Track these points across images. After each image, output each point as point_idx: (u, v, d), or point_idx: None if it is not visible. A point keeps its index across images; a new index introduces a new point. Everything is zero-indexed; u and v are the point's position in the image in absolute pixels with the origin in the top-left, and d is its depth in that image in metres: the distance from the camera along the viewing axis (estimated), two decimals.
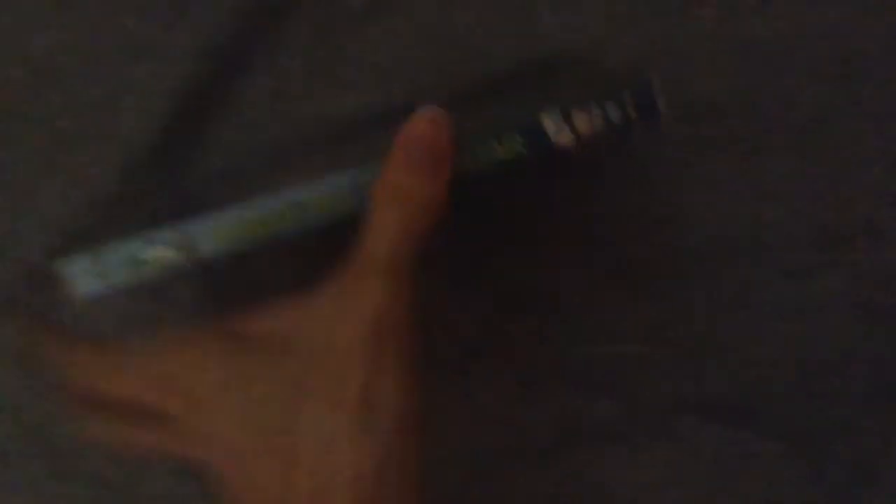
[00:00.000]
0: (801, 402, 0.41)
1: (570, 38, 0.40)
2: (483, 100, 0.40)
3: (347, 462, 0.24)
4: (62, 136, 0.40)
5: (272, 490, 0.25)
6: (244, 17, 0.39)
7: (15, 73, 0.40)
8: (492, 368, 0.41)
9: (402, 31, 0.40)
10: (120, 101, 0.40)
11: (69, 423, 0.38)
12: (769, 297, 0.41)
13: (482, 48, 0.40)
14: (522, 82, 0.40)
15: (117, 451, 0.39)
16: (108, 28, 0.40)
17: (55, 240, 0.40)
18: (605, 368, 0.41)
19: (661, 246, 0.41)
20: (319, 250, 0.30)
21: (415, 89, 0.40)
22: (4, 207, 0.40)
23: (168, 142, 0.40)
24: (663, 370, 0.41)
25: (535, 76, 0.40)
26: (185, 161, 0.40)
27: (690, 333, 0.41)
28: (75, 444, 0.41)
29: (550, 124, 0.30)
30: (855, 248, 0.40)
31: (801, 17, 0.41)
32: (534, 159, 0.30)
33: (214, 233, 0.31)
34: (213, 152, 0.40)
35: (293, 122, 0.40)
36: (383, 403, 0.25)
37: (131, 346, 0.31)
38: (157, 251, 0.30)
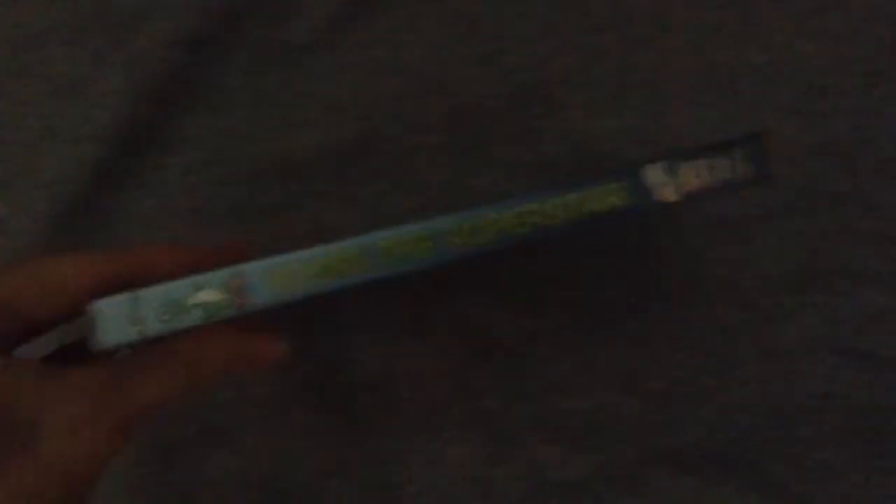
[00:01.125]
0: (778, 449, 0.39)
1: (535, 72, 0.38)
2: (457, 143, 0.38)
3: None
4: None
5: None
6: (183, 49, 0.37)
7: None
8: (460, 423, 0.39)
9: (353, 65, 0.38)
10: (46, 144, 0.37)
11: None
12: (745, 341, 0.39)
13: (439, 82, 0.38)
14: (486, 115, 0.38)
15: None
16: (33, 66, 0.37)
17: None
18: (577, 421, 0.39)
19: (635, 291, 0.39)
20: None
21: (368, 126, 0.38)
22: None
23: (98, 186, 0.37)
24: (636, 421, 0.39)
25: (501, 110, 0.38)
26: (117, 207, 0.38)
27: (665, 381, 0.39)
28: None
29: (655, 177, 0.28)
30: (831, 291, 0.39)
31: (779, 51, 0.39)
32: (632, 214, 0.27)
33: (273, 277, 0.27)
34: (151, 197, 0.38)
35: (238, 162, 0.37)
36: None
37: None
38: (205, 295, 0.27)
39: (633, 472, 0.39)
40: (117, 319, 0.26)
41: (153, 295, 0.26)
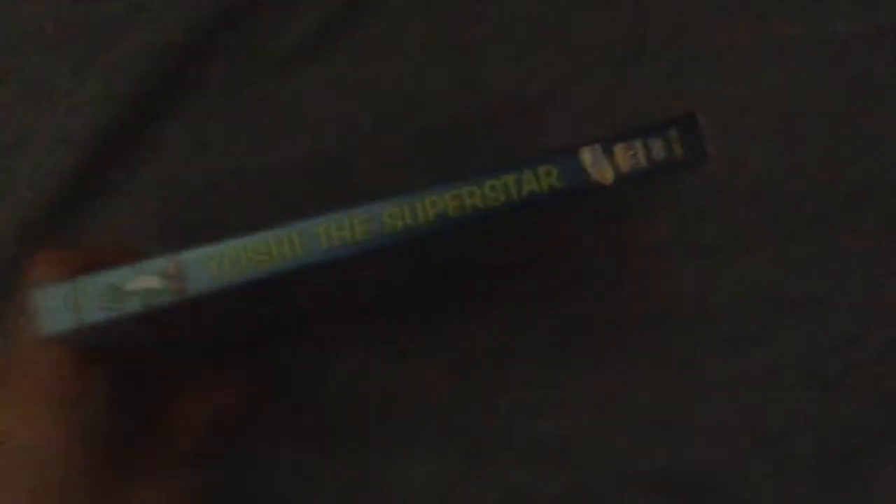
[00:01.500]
0: (749, 473, 0.39)
1: (514, 93, 0.38)
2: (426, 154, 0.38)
3: None
4: None
5: None
6: (161, 59, 0.37)
7: None
8: (434, 442, 0.39)
9: (334, 81, 0.38)
10: (21, 149, 0.37)
11: None
12: (717, 366, 0.39)
13: (416, 98, 0.38)
14: (465, 135, 0.39)
15: None
16: (12, 71, 0.37)
17: None
18: (549, 442, 0.39)
19: (607, 315, 0.39)
20: None
21: (347, 142, 0.38)
22: None
23: (72, 193, 0.37)
24: (609, 443, 0.39)
25: (480, 130, 0.39)
26: (90, 213, 0.37)
27: (637, 404, 0.39)
28: None
29: (591, 158, 0.28)
30: (801, 317, 0.40)
31: (752, 79, 0.40)
32: (568, 196, 0.27)
33: (212, 262, 0.27)
34: (124, 205, 0.37)
35: (214, 174, 0.37)
36: None
37: None
38: (144, 281, 0.27)
39: (604, 493, 0.39)
40: (58, 307, 0.26)
41: (93, 282, 0.26)
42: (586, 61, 0.39)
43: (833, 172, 0.40)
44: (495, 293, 0.39)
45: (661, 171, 0.28)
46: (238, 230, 0.26)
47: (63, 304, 0.26)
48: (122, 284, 0.26)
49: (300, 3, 0.38)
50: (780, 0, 0.40)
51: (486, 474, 0.39)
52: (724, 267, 0.40)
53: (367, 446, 0.38)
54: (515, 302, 0.39)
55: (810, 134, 0.40)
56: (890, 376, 0.39)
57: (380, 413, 0.38)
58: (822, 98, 0.40)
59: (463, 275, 0.39)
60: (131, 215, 0.37)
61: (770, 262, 0.40)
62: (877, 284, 0.40)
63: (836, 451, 0.39)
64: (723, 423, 0.39)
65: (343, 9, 0.39)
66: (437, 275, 0.38)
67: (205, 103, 0.38)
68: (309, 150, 0.38)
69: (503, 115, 0.39)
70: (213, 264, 0.26)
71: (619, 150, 0.28)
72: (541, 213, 0.28)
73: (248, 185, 0.38)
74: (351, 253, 0.27)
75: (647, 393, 0.39)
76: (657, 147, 0.28)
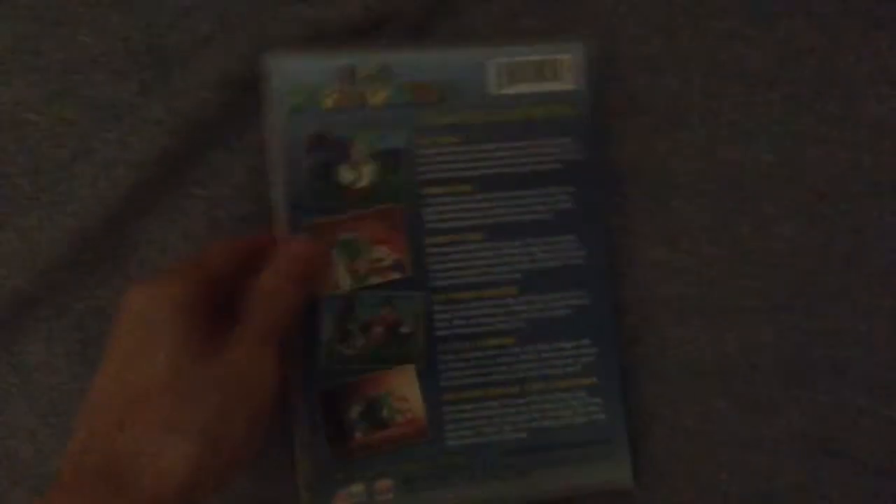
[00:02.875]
0: None
1: None
2: None
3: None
4: (17, 196, 0.39)
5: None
6: (225, 91, 0.39)
7: None
8: None
9: None
10: (82, 166, 0.38)
11: None
12: (729, 428, 0.40)
13: None
14: None
15: None
16: (79, 90, 0.39)
17: None
18: None
19: (630, 368, 0.40)
20: None
21: None
22: None
23: (127, 210, 0.38)
24: (621, 501, 0.40)
25: None
26: (142, 231, 0.39)
27: (649, 462, 0.40)
28: None
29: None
30: (816, 388, 0.40)
31: (783, 150, 0.41)
32: None
33: None
34: (175, 226, 0.39)
35: (263, 199, 0.39)
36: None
37: None
38: None
39: None
40: None
41: None
42: (625, 125, 0.41)
43: (857, 250, 0.41)
44: None
45: None
46: None
47: None
48: None
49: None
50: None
51: None
52: (743, 329, 0.41)
53: None
54: None
55: (842, 211, 0.41)
56: None
57: None
58: (856, 178, 0.42)
59: None
60: (179, 236, 0.39)
61: (794, 331, 0.41)
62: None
63: None
64: (732, 485, 0.40)
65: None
66: None
67: (258, 133, 0.39)
68: None
69: None
70: None
71: None
72: None
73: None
74: None
75: (657, 452, 0.40)
76: None
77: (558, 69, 0.39)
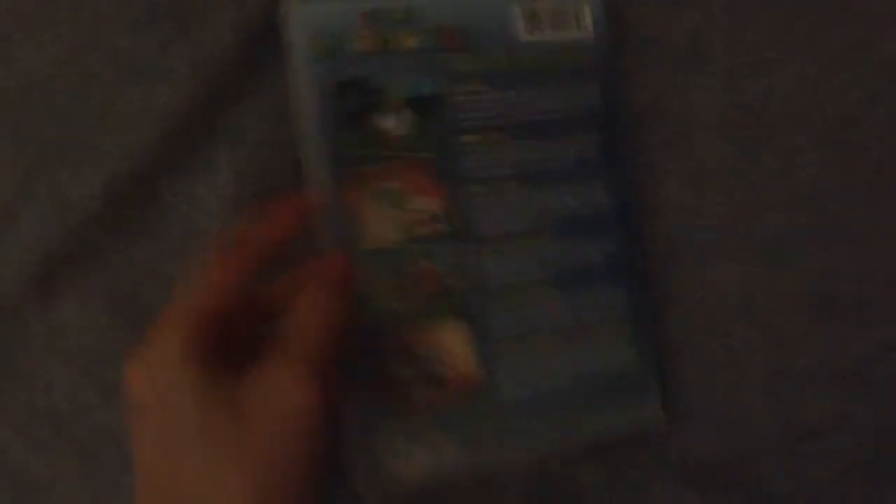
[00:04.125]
0: (782, 466, 0.40)
1: None
2: None
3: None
4: (46, 152, 0.38)
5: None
6: (248, 35, 0.38)
7: (3, 83, 0.38)
8: None
9: None
10: (108, 121, 0.38)
11: None
12: (757, 360, 0.40)
13: None
14: None
15: None
16: (101, 44, 0.39)
17: (31, 257, 0.38)
18: None
19: (650, 304, 0.40)
20: None
21: None
22: None
23: (153, 166, 0.38)
24: (641, 433, 0.40)
25: None
26: (170, 187, 0.39)
27: (673, 395, 0.40)
28: None
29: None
30: (845, 319, 0.41)
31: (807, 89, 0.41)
32: None
33: None
34: (201, 182, 0.39)
35: (290, 151, 0.39)
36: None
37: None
38: None
39: (636, 482, 0.40)
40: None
41: None
42: (647, 60, 0.41)
43: (881, 184, 0.41)
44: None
45: None
46: None
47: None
48: None
49: None
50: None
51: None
52: (769, 262, 0.41)
53: None
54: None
55: (861, 145, 0.41)
56: None
57: None
58: (873, 112, 0.41)
59: None
60: (208, 189, 0.39)
61: (815, 263, 0.41)
62: None
63: (871, 447, 0.40)
64: (761, 418, 0.40)
65: None
66: None
67: (283, 81, 0.39)
68: None
69: None
70: None
71: None
72: None
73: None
74: None
75: (682, 385, 0.40)
76: None
77: (579, 15, 0.39)
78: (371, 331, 0.35)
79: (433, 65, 0.37)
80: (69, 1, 0.39)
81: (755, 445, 0.40)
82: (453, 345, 0.36)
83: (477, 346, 0.36)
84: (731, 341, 0.41)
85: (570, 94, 0.39)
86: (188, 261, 0.38)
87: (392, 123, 0.36)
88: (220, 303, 0.29)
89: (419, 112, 0.37)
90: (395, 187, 0.36)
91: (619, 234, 0.39)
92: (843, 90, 0.42)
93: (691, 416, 0.40)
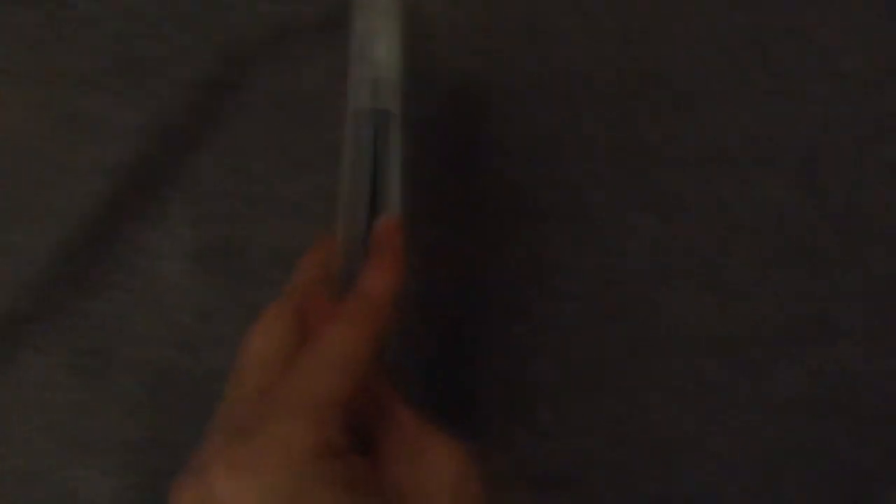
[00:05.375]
0: (758, 499, 0.40)
1: None
2: None
3: None
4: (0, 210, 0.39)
5: None
6: (199, 90, 0.39)
7: None
8: None
9: None
10: (61, 179, 0.38)
11: None
12: (728, 392, 0.40)
13: None
14: None
15: None
16: (53, 101, 0.39)
17: None
18: (562, 465, 0.40)
19: (620, 339, 0.40)
20: None
21: None
22: None
23: (108, 219, 0.38)
24: (620, 468, 0.40)
25: None
26: (124, 239, 0.39)
27: (648, 428, 0.40)
28: None
29: None
30: (815, 346, 0.40)
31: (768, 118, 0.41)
32: None
33: None
34: (156, 230, 0.39)
35: (249, 201, 0.39)
36: None
37: None
38: None
39: None
40: None
41: None
42: (633, 106, 0.41)
43: (850, 208, 0.41)
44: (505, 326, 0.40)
45: None
46: None
47: None
48: None
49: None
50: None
51: (502, 499, 0.39)
52: (739, 295, 0.40)
53: None
54: (525, 336, 0.40)
55: (822, 169, 0.41)
56: None
57: None
58: (836, 136, 0.41)
59: None
60: (164, 241, 0.39)
61: (785, 292, 0.41)
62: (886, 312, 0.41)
63: (846, 480, 0.40)
64: (733, 449, 0.40)
65: None
66: None
67: (239, 136, 0.39)
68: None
69: None
70: None
71: None
72: None
73: (279, 212, 0.39)
74: None
75: (657, 418, 0.40)
76: None
77: None
78: None
79: None
80: (31, 59, 0.39)
81: (727, 478, 0.40)
82: None
83: None
84: (698, 373, 0.40)
85: None
86: (151, 312, 0.38)
87: None
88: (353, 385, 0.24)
89: None
90: None
91: None
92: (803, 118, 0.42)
93: (665, 447, 0.40)
